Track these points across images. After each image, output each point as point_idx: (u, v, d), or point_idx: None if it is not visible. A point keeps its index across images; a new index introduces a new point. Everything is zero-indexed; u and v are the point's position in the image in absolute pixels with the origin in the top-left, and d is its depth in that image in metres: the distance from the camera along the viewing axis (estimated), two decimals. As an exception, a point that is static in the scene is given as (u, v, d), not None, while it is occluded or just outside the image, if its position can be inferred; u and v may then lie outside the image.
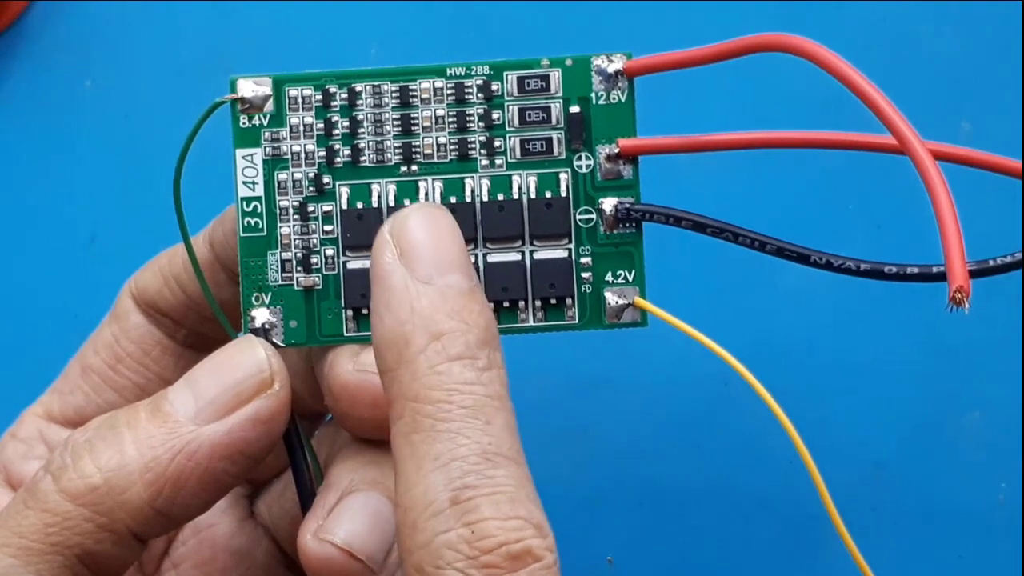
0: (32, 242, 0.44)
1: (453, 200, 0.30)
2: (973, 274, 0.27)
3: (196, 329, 0.34)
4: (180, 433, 0.28)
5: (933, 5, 0.43)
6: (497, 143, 0.31)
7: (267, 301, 0.31)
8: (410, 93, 0.31)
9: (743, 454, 0.42)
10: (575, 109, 0.30)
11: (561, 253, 0.30)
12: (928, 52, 0.43)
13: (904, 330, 0.42)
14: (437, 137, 0.31)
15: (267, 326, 0.31)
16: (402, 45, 0.44)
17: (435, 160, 0.31)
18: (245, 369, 0.29)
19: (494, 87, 0.31)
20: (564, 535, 0.42)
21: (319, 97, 0.31)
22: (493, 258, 0.30)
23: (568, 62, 0.31)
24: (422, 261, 0.27)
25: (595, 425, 0.42)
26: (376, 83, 0.31)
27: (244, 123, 0.31)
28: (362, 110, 0.31)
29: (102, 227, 0.44)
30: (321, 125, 0.31)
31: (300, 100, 0.31)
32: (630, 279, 0.31)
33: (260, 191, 0.31)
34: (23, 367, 0.43)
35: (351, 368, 0.30)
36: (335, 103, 0.31)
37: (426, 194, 0.31)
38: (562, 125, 0.31)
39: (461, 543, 0.25)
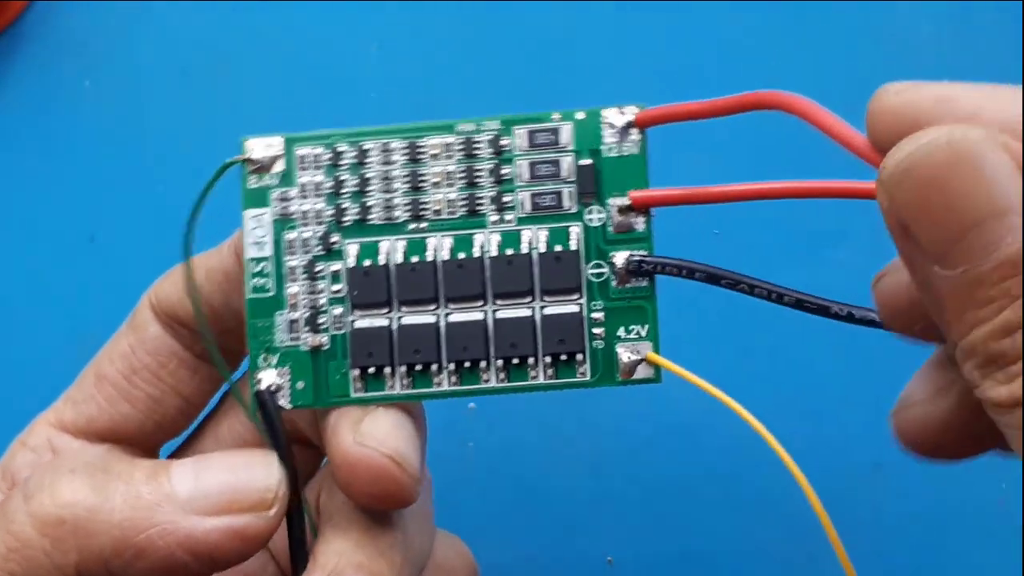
0: (32, 242, 0.44)
1: (462, 256, 0.30)
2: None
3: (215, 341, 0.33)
4: (165, 509, 0.28)
5: (933, 5, 0.43)
6: (507, 198, 0.30)
7: (274, 363, 0.30)
8: (418, 149, 0.30)
9: (742, 454, 0.41)
10: (586, 161, 0.30)
11: (572, 308, 0.29)
12: (928, 52, 0.43)
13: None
14: (447, 193, 0.30)
15: (273, 388, 0.30)
16: (402, 45, 0.44)
17: (444, 216, 0.30)
18: (254, 481, 0.29)
19: (504, 142, 0.30)
20: (564, 535, 0.42)
21: (328, 156, 0.30)
22: (502, 314, 0.29)
23: (579, 115, 0.30)
24: None
25: (595, 425, 0.42)
26: (386, 140, 0.30)
27: (253, 183, 0.31)
28: (371, 167, 0.30)
29: (102, 227, 0.44)
30: (331, 183, 0.30)
31: (311, 159, 0.30)
32: (643, 334, 0.29)
33: (269, 251, 0.30)
34: (22, 367, 0.43)
35: (351, 440, 0.29)
36: (344, 161, 0.30)
37: (435, 250, 0.30)
38: (573, 178, 0.30)
39: None
